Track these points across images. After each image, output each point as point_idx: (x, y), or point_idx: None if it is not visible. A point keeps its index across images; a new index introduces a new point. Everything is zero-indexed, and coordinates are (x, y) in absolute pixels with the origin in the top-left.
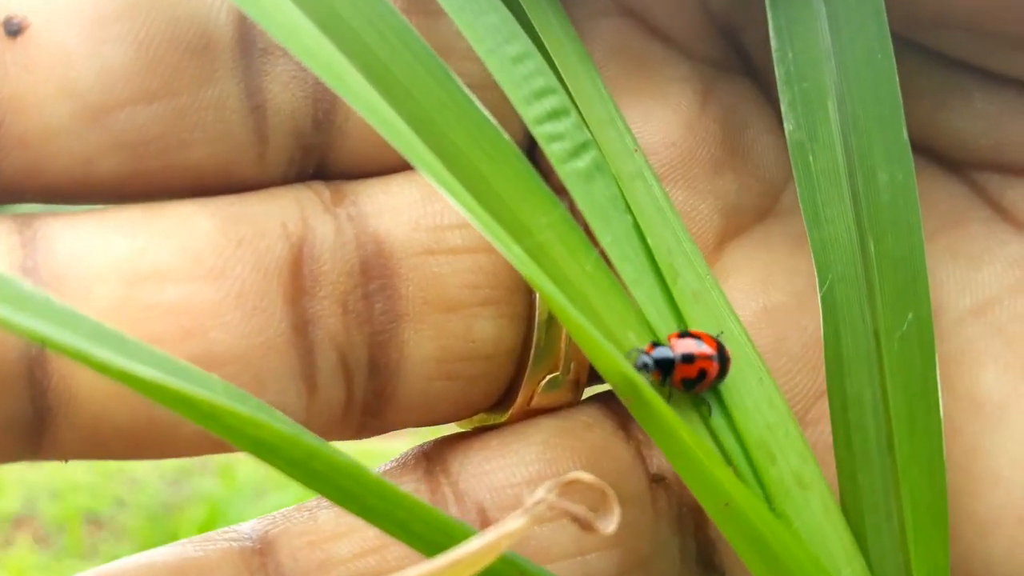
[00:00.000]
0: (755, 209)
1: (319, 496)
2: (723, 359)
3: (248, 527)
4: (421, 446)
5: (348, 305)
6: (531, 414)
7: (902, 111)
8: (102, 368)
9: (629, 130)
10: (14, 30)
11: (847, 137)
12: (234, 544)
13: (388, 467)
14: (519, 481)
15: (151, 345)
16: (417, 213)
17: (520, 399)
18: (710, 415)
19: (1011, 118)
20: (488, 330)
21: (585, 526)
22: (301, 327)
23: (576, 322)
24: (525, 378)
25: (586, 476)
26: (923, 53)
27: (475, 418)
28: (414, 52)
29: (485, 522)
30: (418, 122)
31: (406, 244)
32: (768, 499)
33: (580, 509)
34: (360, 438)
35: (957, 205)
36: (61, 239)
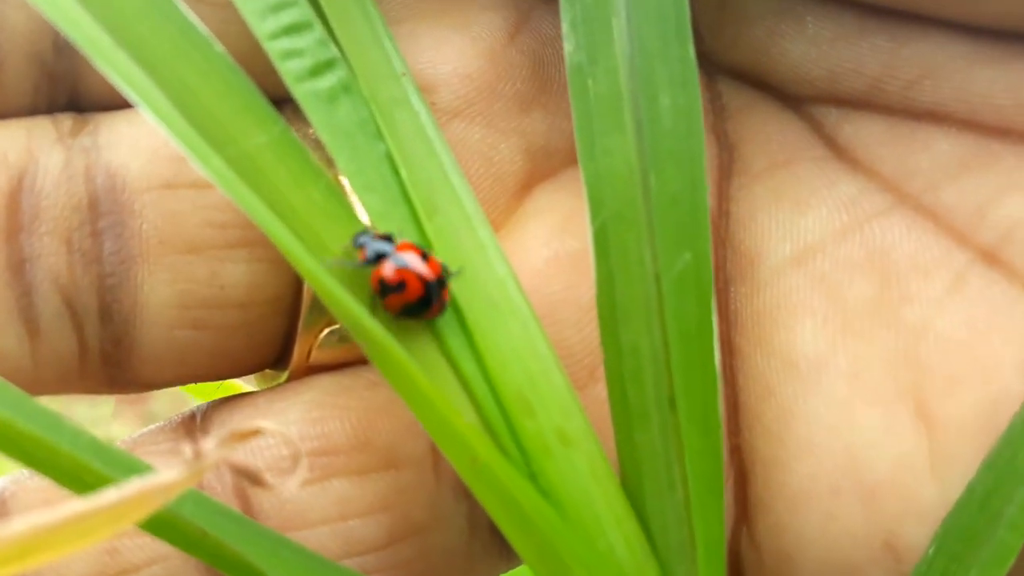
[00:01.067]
0: (567, 151)
1: None
2: (432, 288)
3: None
4: (199, 406)
5: (73, 244)
6: (314, 371)
7: (689, 28)
8: None
9: (399, 53)
10: None
11: (633, 60)
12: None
13: (155, 427)
14: (277, 442)
15: None
16: (157, 142)
17: (296, 355)
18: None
19: (845, 44)
20: (239, 275)
21: (254, 480)
22: (17, 266)
23: (296, 254)
24: (299, 331)
25: (268, 425)
26: None
27: (266, 375)
28: None
29: (240, 487)
30: (116, 27)
31: (141, 177)
32: (525, 456)
33: (248, 461)
34: (113, 392)
35: (789, 142)
36: None
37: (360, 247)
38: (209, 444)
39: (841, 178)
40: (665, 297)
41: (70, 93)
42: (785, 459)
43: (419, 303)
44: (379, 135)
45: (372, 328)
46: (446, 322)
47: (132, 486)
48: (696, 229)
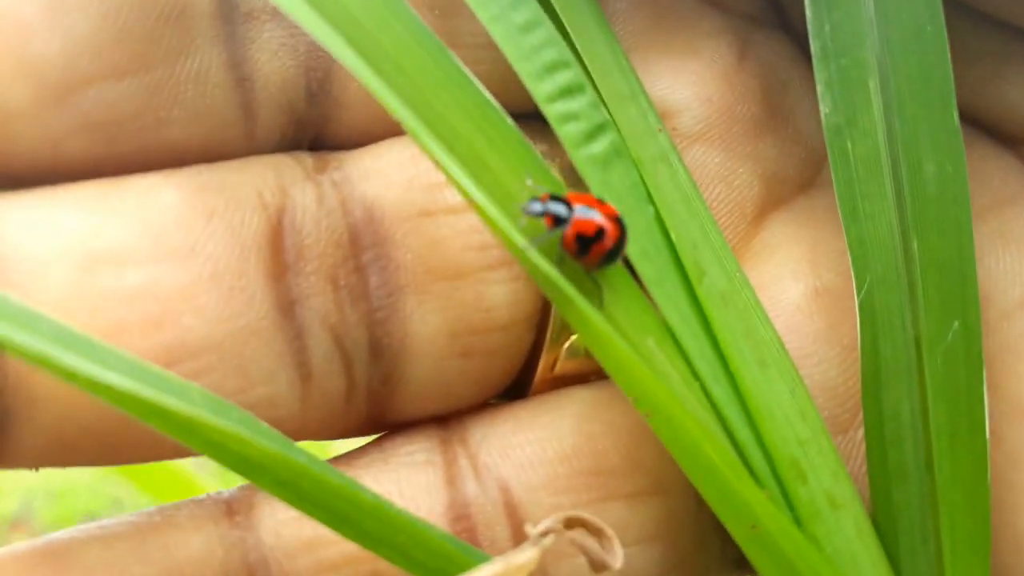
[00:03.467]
0: (797, 178)
1: None
2: (622, 230)
3: (228, 493)
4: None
5: (339, 280)
6: (556, 384)
7: (954, 94)
8: (69, 376)
9: (652, 107)
10: None
11: (891, 122)
12: (208, 512)
13: (395, 433)
14: (552, 457)
15: (115, 341)
16: (409, 173)
17: (542, 366)
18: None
19: None
20: (502, 295)
21: (596, 564)
22: (287, 308)
23: (592, 324)
24: (546, 343)
25: (588, 517)
26: (974, 16)
27: None
28: (404, 24)
29: (509, 504)
30: (406, 92)
31: (399, 207)
32: (798, 521)
33: (591, 543)
34: (371, 434)
35: (1010, 183)
36: (7, 220)
37: (544, 214)
38: (547, 523)
39: None
40: (932, 364)
41: (312, 139)
42: (1014, 503)
43: (617, 246)
44: (648, 197)
45: (654, 388)
46: (716, 382)
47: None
48: (965, 297)
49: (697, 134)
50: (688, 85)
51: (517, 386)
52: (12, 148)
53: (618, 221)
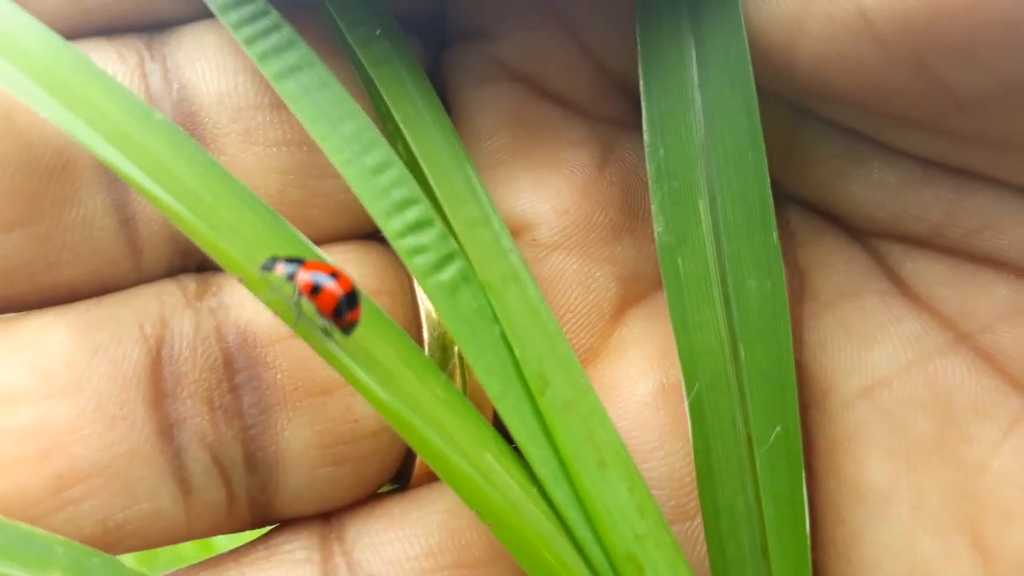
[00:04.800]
0: (655, 274)
1: None
2: (346, 298)
3: None
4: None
5: (214, 401)
6: (433, 479)
7: (773, 214)
8: None
9: (505, 229)
10: None
11: (719, 240)
12: None
13: (281, 529)
14: (418, 554)
15: (10, 473)
16: None
17: (419, 465)
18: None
19: (910, 190)
20: (370, 407)
21: None
22: (166, 431)
23: (431, 447)
24: None
25: None
26: (822, 121)
27: None
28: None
29: None
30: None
31: (270, 330)
32: None
33: None
34: (254, 529)
35: (855, 274)
36: None
37: (271, 270)
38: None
39: (905, 314)
40: (759, 463)
41: (200, 260)
42: None
43: (342, 305)
44: (495, 318)
45: (510, 517)
46: (557, 485)
47: None
48: (785, 403)
49: (555, 244)
50: (547, 199)
51: (402, 475)
52: None
53: (349, 284)
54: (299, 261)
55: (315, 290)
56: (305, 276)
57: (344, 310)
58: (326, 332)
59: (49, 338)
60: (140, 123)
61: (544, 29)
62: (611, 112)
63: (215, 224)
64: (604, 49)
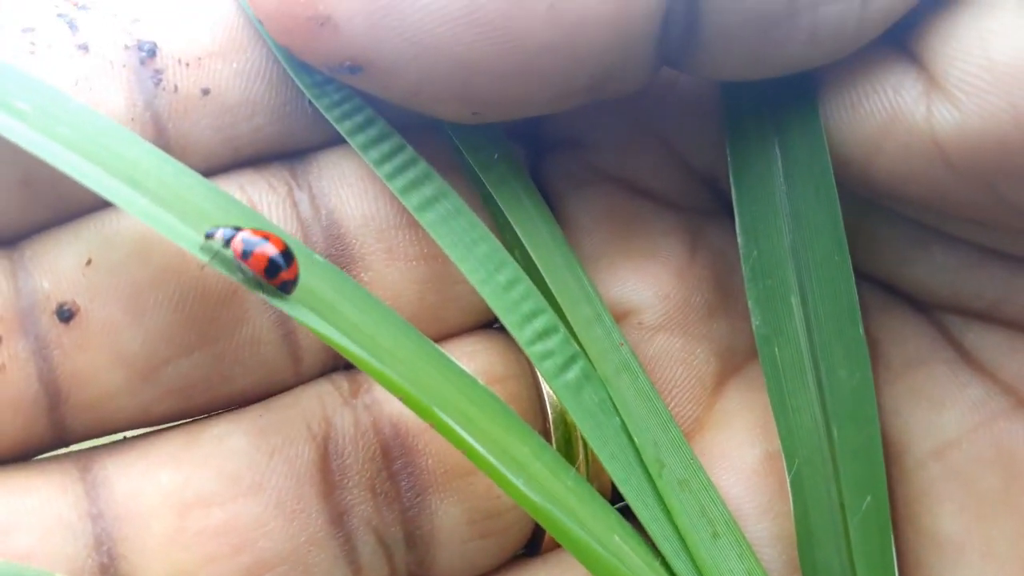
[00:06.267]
0: (747, 348)
1: None
2: (278, 258)
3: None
4: None
5: (376, 488)
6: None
7: (858, 310)
8: None
9: (615, 325)
10: (66, 316)
11: (811, 332)
12: None
13: None
14: None
15: (208, 568)
16: None
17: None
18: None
19: (968, 272)
20: None
21: None
22: (337, 518)
23: (568, 533)
24: None
25: None
26: (890, 212)
27: None
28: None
29: None
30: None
31: (418, 420)
32: None
33: None
34: None
35: (922, 344)
36: (117, 481)
37: (210, 236)
38: None
39: (969, 381)
40: (851, 529)
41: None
42: None
43: (268, 274)
44: (614, 410)
45: (621, 571)
46: (677, 556)
47: None
48: (874, 478)
49: (659, 325)
50: (649, 286)
51: (532, 542)
52: (112, 418)
53: (281, 244)
54: (237, 229)
55: (245, 254)
56: (236, 241)
57: (277, 270)
58: (266, 291)
59: (230, 444)
60: (305, 266)
61: (634, 136)
62: (697, 202)
63: (375, 352)
64: (688, 149)
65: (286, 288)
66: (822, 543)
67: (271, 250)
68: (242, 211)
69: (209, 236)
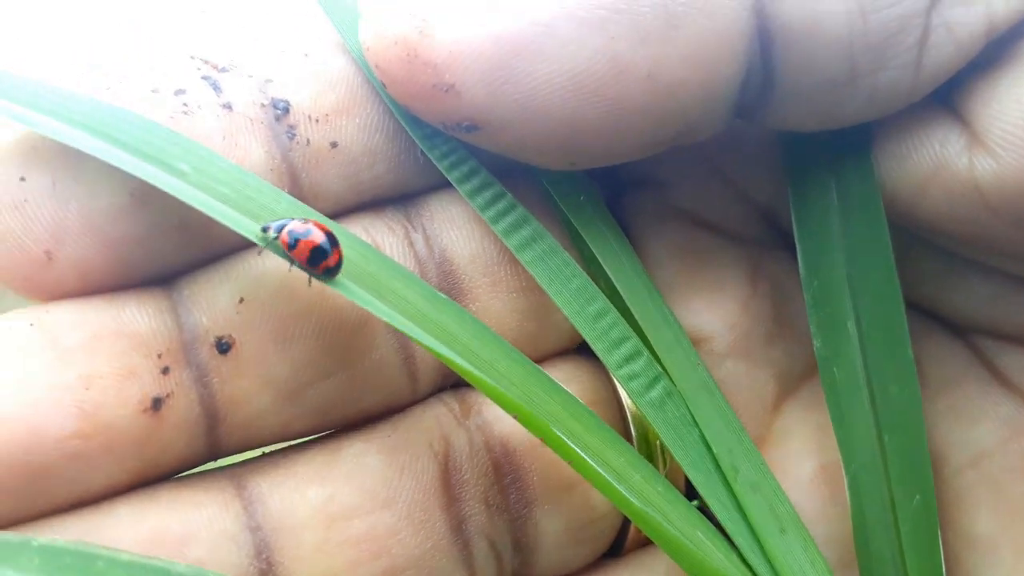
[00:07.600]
0: (802, 371)
1: None
2: (319, 249)
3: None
4: None
5: (489, 501)
6: (645, 541)
7: (907, 334)
8: None
9: (692, 348)
10: (224, 348)
11: (865, 354)
12: None
13: None
14: None
15: (351, 571)
16: None
17: (633, 530)
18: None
19: (1002, 299)
20: (602, 496)
21: None
22: (457, 527)
23: (662, 531)
24: None
25: None
26: (927, 244)
27: None
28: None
29: None
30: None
31: (525, 439)
32: None
33: None
34: None
35: (958, 365)
36: (270, 497)
37: (265, 231)
38: None
39: (1001, 399)
40: (902, 524)
41: (455, 379)
42: None
43: (316, 258)
44: (694, 422)
45: (704, 566)
46: (751, 550)
47: None
48: (922, 478)
49: (727, 352)
50: (719, 318)
51: (616, 543)
52: (258, 435)
53: (329, 235)
54: (288, 220)
55: (292, 245)
56: (284, 233)
57: (319, 259)
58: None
59: (366, 462)
60: (431, 303)
61: (701, 175)
62: (756, 234)
63: (493, 375)
64: (750, 186)
65: (329, 275)
66: (876, 536)
67: (312, 242)
68: (363, 247)
69: (264, 230)
